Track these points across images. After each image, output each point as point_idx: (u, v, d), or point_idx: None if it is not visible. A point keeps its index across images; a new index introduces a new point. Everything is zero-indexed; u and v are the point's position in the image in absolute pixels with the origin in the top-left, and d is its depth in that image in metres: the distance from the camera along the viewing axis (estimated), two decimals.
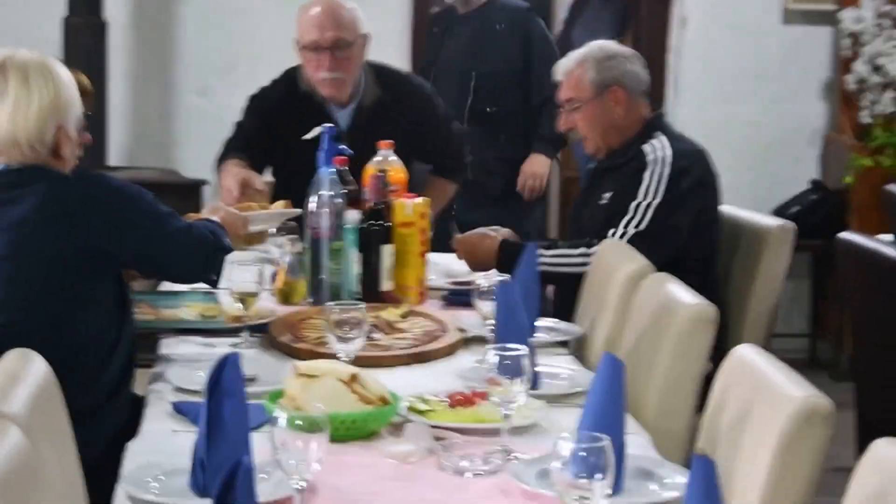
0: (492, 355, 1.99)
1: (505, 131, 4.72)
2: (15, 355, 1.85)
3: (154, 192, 4.20)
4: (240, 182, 3.22)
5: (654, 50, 5.59)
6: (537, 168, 4.71)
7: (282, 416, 1.73)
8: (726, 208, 3.38)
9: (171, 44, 5.30)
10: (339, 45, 3.43)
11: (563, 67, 3.31)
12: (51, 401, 1.84)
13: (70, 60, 4.91)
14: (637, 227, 3.09)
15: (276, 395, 2.10)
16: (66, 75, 2.40)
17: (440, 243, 3.43)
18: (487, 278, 2.57)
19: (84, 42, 4.98)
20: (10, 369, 1.77)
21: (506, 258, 3.09)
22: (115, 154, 5.16)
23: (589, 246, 3.09)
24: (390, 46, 5.08)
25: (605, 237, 3.09)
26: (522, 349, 2.00)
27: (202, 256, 2.54)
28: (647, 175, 3.13)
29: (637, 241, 3.02)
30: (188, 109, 5.30)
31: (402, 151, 3.59)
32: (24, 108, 2.32)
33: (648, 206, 3.10)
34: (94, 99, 4.95)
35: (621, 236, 3.08)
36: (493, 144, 4.66)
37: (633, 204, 3.11)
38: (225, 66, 5.26)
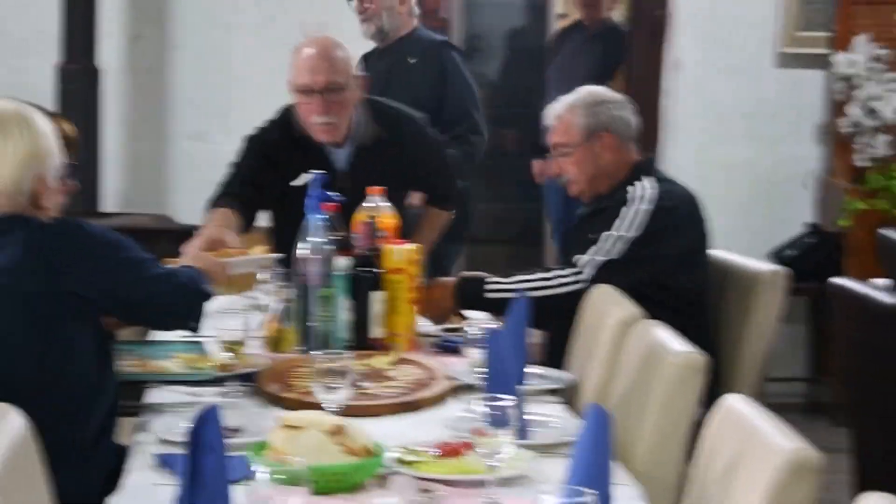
0: (478, 405, 1.97)
1: None
2: None
3: (147, 237, 4.20)
4: (207, 242, 3.14)
5: (646, 92, 5.60)
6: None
7: (262, 470, 1.71)
8: (718, 252, 3.37)
9: (165, 89, 5.31)
10: (331, 89, 3.41)
11: (554, 112, 3.32)
12: (26, 456, 1.81)
13: (63, 107, 4.95)
14: (607, 255, 3.10)
15: (260, 447, 2.07)
16: (44, 125, 2.40)
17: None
18: (477, 325, 2.56)
19: (78, 88, 4.99)
20: None
21: (466, 295, 3.15)
22: (109, 200, 5.16)
23: (562, 269, 3.12)
24: None
25: (572, 262, 3.10)
26: (509, 399, 1.98)
27: (183, 303, 2.54)
28: (625, 210, 3.14)
29: (605, 270, 3.05)
30: (182, 155, 5.30)
31: (399, 185, 3.58)
32: (1, 159, 2.31)
33: (622, 238, 3.11)
34: (88, 145, 4.98)
35: (588, 262, 3.08)
36: None
37: (606, 234, 3.12)
38: (219, 110, 5.27)
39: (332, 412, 2.23)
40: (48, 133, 2.41)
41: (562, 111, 3.28)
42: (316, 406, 2.26)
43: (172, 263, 2.81)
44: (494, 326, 2.47)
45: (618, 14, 6.15)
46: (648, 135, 4.81)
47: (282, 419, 2.09)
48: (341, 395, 2.25)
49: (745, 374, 3.13)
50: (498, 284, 3.14)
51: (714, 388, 2.75)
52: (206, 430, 1.79)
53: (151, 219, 5.02)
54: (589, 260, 3.10)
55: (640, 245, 3.10)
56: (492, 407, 1.96)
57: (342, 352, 2.36)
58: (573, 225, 3.52)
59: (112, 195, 5.19)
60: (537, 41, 6.50)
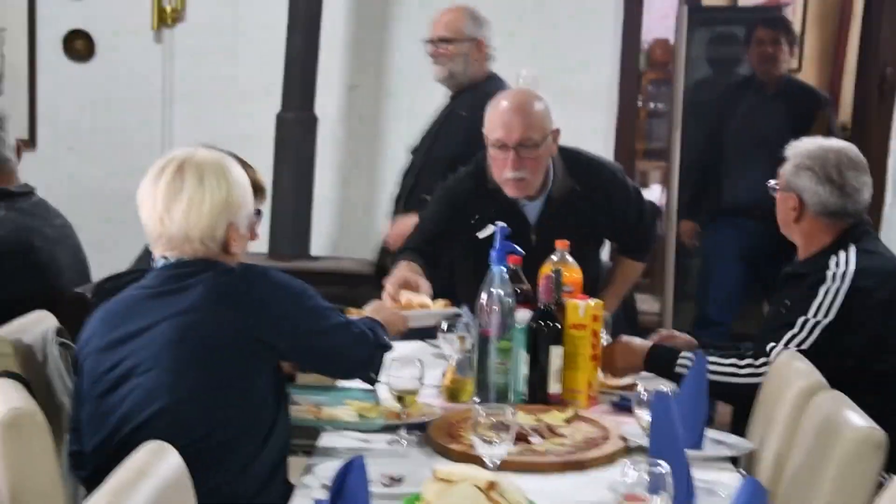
0: (631, 469, 1.93)
1: None
2: (148, 449, 1.89)
3: (349, 281, 4.30)
4: (400, 282, 3.23)
5: (875, 154, 5.38)
6: (406, 226, 4.11)
7: None
8: None
9: (378, 137, 5.45)
10: (524, 145, 3.40)
11: (790, 147, 3.20)
12: (179, 497, 1.87)
13: (282, 153, 5.15)
14: (800, 344, 2.92)
15: (414, 499, 2.08)
16: (239, 175, 2.48)
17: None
18: (649, 386, 2.50)
19: (295, 136, 5.19)
20: (139, 464, 1.81)
21: (657, 363, 3.05)
22: (319, 244, 5.32)
23: (755, 358, 2.96)
24: (598, 137, 5.13)
25: (765, 350, 2.96)
26: (663, 465, 1.93)
27: (361, 353, 2.57)
28: (822, 290, 2.97)
29: None
30: (391, 201, 5.41)
31: (593, 237, 3.56)
32: (198, 206, 2.40)
33: (817, 324, 2.93)
34: (303, 190, 5.16)
35: (781, 354, 2.91)
36: None
37: (801, 319, 2.95)
38: None
39: (492, 467, 2.22)
40: (243, 182, 2.49)
41: (791, 152, 3.17)
42: (481, 460, 2.26)
43: (355, 314, 2.87)
44: (663, 389, 2.40)
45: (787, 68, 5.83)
46: (874, 196, 4.57)
47: (436, 472, 2.09)
48: (502, 449, 2.25)
49: None
50: (690, 361, 2.98)
51: None
52: (351, 479, 1.82)
53: (356, 263, 5.15)
54: (782, 351, 2.92)
55: (832, 333, 2.92)
56: (645, 471, 1.92)
57: (505, 406, 2.33)
58: (776, 284, 3.37)
59: (321, 239, 5.36)
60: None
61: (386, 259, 4.27)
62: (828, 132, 5.34)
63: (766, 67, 5.51)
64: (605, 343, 3.09)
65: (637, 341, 3.16)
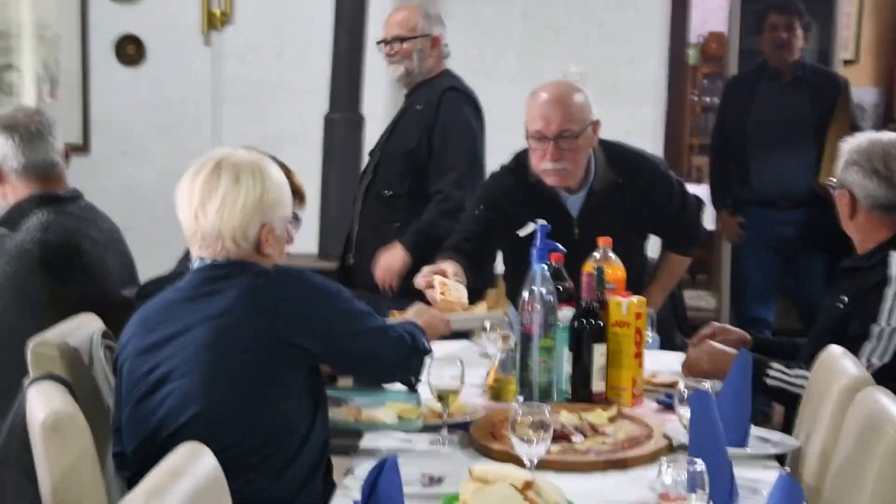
0: (665, 468, 1.92)
1: (399, 218, 4.25)
2: (183, 450, 1.90)
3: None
4: (430, 272, 3.24)
5: None
6: (389, 260, 4.20)
7: None
8: None
9: None
10: (564, 136, 3.40)
11: (842, 142, 3.14)
12: (214, 497, 1.88)
13: (329, 153, 5.18)
14: (882, 357, 2.85)
15: (452, 499, 2.08)
16: (277, 176, 2.48)
17: None
18: (690, 383, 2.48)
19: (342, 136, 5.22)
20: (174, 465, 1.82)
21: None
22: None
23: None
24: (647, 132, 5.10)
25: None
26: (698, 463, 1.92)
27: (396, 357, 2.57)
28: (890, 293, 2.90)
29: (882, 377, 2.68)
30: None
31: (636, 231, 3.53)
32: (231, 204, 2.40)
33: (893, 331, 2.87)
34: (349, 189, 5.17)
35: (865, 368, 2.75)
36: (388, 231, 4.24)
37: (877, 329, 2.87)
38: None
39: (529, 466, 2.22)
40: (280, 184, 2.49)
41: (843, 144, 3.10)
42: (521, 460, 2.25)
43: (397, 317, 2.87)
44: (703, 386, 2.38)
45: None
46: None
47: (472, 471, 2.09)
48: (539, 448, 2.24)
49: None
50: (779, 373, 2.92)
51: None
52: (385, 479, 1.83)
53: None
54: (866, 366, 2.78)
55: None
56: (680, 470, 1.91)
57: (543, 405, 2.32)
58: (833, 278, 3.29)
59: None
60: None
61: (350, 265, 4.31)
62: (850, 116, 5.22)
63: (781, 54, 5.28)
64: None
65: (727, 348, 3.08)
